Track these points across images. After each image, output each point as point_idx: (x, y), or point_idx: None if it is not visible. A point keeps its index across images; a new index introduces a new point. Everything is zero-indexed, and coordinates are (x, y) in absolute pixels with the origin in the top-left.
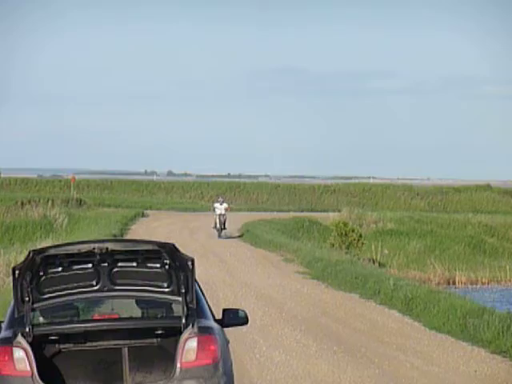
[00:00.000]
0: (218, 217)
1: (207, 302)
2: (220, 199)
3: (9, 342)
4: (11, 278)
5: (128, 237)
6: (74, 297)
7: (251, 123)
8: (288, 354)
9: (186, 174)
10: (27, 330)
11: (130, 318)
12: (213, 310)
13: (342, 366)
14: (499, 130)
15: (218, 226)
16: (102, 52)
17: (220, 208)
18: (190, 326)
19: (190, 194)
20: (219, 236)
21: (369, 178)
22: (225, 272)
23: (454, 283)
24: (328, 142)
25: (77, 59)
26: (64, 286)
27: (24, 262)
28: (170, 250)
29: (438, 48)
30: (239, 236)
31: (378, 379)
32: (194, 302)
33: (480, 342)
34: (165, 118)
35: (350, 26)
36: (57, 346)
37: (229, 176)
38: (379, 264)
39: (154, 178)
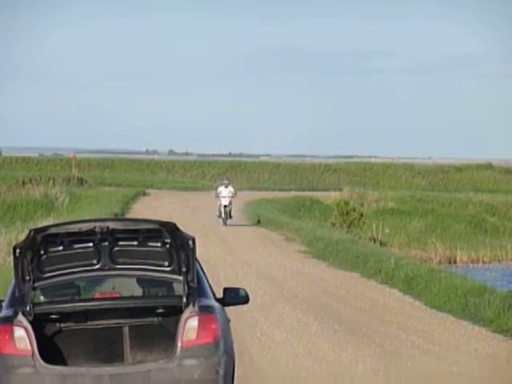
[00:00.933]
0: (222, 206)
1: (208, 281)
2: (225, 181)
3: (9, 320)
4: (12, 256)
5: (129, 216)
6: (75, 276)
7: (252, 102)
8: (289, 332)
9: (187, 154)
10: (28, 308)
11: (131, 297)
12: (213, 289)
13: (343, 345)
14: (501, 109)
15: (222, 215)
16: (104, 33)
17: (225, 192)
18: (191, 304)
19: (191, 173)
20: (224, 224)
21: (370, 157)
22: (226, 251)
23: (455, 262)
24: (329, 121)
25: (79, 40)
26: (65, 265)
27: (25, 240)
28: (171, 229)
29: (440, 26)
30: (241, 216)
31: (379, 358)
32: (195, 280)
33: (481, 321)
34: (166, 97)
35: (351, 3)
36: (57, 324)
37: (230, 155)
38: (380, 243)
39: (156, 157)
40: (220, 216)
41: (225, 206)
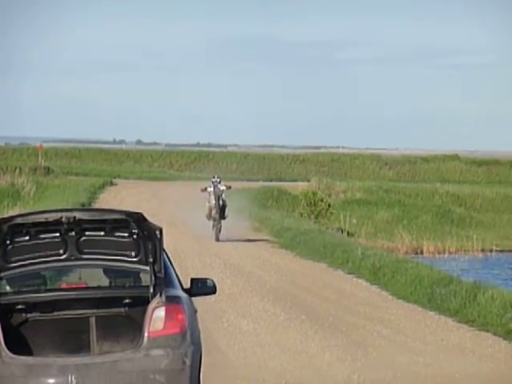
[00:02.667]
0: (213, 204)
1: (175, 272)
2: (216, 179)
3: None
4: None
5: (96, 206)
6: (41, 266)
7: (221, 93)
8: (256, 323)
9: (154, 143)
10: None
11: (98, 287)
12: (181, 279)
13: (310, 335)
14: (467, 100)
15: (213, 213)
16: (72, 22)
17: (217, 191)
18: (158, 295)
19: (158, 163)
20: (216, 231)
21: (338, 147)
22: (194, 241)
23: (421, 252)
24: (297, 111)
25: (46, 29)
26: (31, 255)
27: None
28: (138, 219)
29: (407, 18)
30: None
31: (346, 348)
32: (162, 271)
33: (447, 311)
34: (134, 87)
35: None
36: (24, 315)
37: (198, 145)
38: (348, 233)
39: (123, 146)
40: (209, 215)
41: (214, 204)
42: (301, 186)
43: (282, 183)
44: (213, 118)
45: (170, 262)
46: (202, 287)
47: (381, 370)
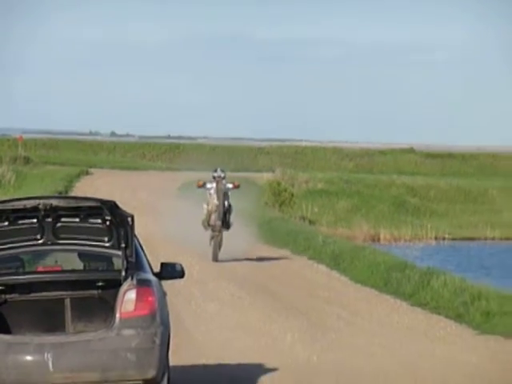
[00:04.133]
0: (215, 205)
1: (146, 257)
2: (219, 173)
3: None
4: None
5: (72, 194)
6: (20, 250)
7: (191, 88)
8: (222, 306)
9: (128, 135)
10: None
11: (73, 271)
12: (151, 263)
13: (273, 317)
14: (424, 97)
15: (213, 220)
16: (49, 17)
17: (221, 190)
18: (129, 278)
19: (131, 153)
20: (214, 246)
21: (301, 140)
22: (163, 230)
23: (378, 240)
24: (264, 106)
25: (22, 23)
26: (10, 240)
27: None
28: (111, 206)
29: (370, 18)
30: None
31: (307, 329)
32: (134, 255)
33: (402, 295)
34: (109, 81)
35: None
36: (2, 296)
37: (169, 137)
38: (309, 222)
39: (98, 138)
40: (207, 222)
41: (217, 204)
42: (266, 177)
43: (248, 174)
44: (183, 112)
45: (141, 247)
46: (171, 271)
47: (339, 351)
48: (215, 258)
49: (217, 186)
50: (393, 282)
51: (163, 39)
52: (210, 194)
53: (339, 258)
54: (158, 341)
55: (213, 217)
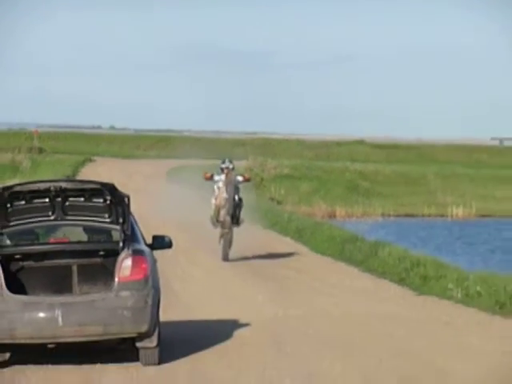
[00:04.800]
0: (224, 199)
1: (140, 230)
2: (227, 163)
3: None
4: None
5: (78, 177)
6: (34, 224)
7: (178, 89)
8: (204, 272)
9: (125, 129)
10: None
11: (79, 242)
12: (144, 236)
13: (247, 282)
14: (375, 93)
15: (222, 215)
16: (57, 17)
17: (231, 182)
18: (126, 248)
19: (128, 144)
20: (224, 245)
21: (271, 133)
22: (156, 207)
23: (334, 217)
24: (239, 104)
25: (33, 26)
26: (26, 216)
27: None
28: (111, 188)
29: (328, 28)
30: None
31: (274, 292)
32: (129, 229)
33: (354, 262)
34: (108, 83)
35: (257, 4)
36: (20, 263)
37: (160, 130)
38: (277, 202)
39: (100, 131)
40: (215, 218)
41: (230, 205)
42: (241, 164)
43: None
44: (171, 109)
45: (136, 222)
46: (161, 242)
47: (300, 308)
48: (225, 258)
49: (226, 178)
50: (346, 252)
51: (151, 47)
52: (219, 187)
53: (302, 232)
54: (149, 301)
55: (222, 212)
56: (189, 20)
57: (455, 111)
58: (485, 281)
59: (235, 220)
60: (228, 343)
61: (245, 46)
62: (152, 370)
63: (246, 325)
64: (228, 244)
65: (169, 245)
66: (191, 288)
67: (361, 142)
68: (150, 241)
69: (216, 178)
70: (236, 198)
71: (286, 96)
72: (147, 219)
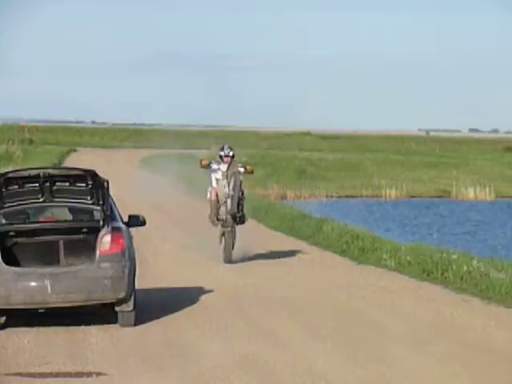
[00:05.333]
0: (225, 194)
1: (118, 210)
2: (226, 151)
3: None
4: None
5: (64, 165)
6: (26, 206)
7: (151, 88)
8: (174, 246)
9: (104, 123)
10: None
11: (65, 221)
12: (121, 215)
13: (209, 255)
14: (318, 90)
15: (223, 213)
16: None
17: (232, 173)
18: (106, 226)
19: (107, 136)
20: (226, 245)
21: (231, 126)
22: (130, 191)
23: (285, 198)
24: (202, 102)
25: (26, 23)
26: (19, 199)
27: None
28: (92, 174)
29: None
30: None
31: (234, 264)
32: (109, 210)
33: (302, 237)
34: (89, 82)
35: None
36: (14, 239)
37: (134, 124)
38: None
39: (82, 125)
40: (216, 217)
41: (231, 200)
42: (203, 152)
43: (191, 150)
44: (144, 106)
45: (114, 204)
46: (135, 221)
47: (256, 277)
48: (228, 260)
49: (228, 169)
50: (296, 228)
51: (126, 52)
52: (217, 179)
53: (257, 211)
54: (126, 271)
55: (222, 209)
56: (158, 28)
57: (388, 105)
58: (414, 252)
59: (238, 218)
60: (194, 307)
61: (207, 50)
62: (129, 330)
63: (210, 291)
64: (231, 245)
65: (143, 223)
66: (162, 260)
67: (308, 134)
68: (126, 219)
69: (214, 166)
70: (237, 192)
71: (243, 93)
72: (124, 201)
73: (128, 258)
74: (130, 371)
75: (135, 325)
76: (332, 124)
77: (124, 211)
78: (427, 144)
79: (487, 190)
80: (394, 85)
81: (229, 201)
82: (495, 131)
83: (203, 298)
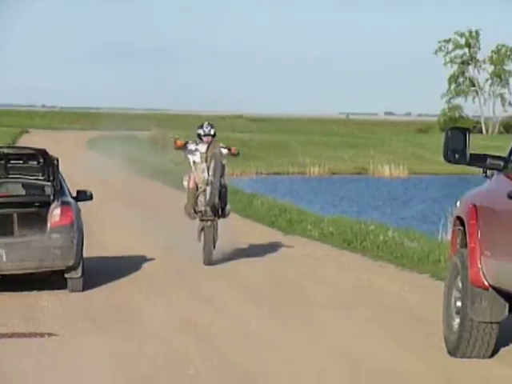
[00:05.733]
0: (203, 180)
1: (67, 186)
2: (206, 129)
3: None
4: None
5: (17, 145)
6: None
7: (96, 75)
8: (118, 218)
9: (53, 106)
10: None
11: (18, 195)
12: (70, 190)
13: (152, 226)
14: (251, 77)
15: (202, 204)
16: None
17: (213, 155)
18: (56, 200)
19: (56, 119)
20: (207, 244)
21: (170, 110)
22: (78, 168)
23: None
24: (147, 87)
25: None
26: None
27: None
28: (43, 153)
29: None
30: (87, 148)
31: (176, 232)
32: (58, 185)
33: (235, 210)
34: (40, 68)
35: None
36: None
37: (81, 108)
38: (175, 163)
39: (34, 108)
40: (193, 209)
41: (212, 189)
42: (145, 134)
43: (133, 132)
44: (91, 91)
45: (63, 180)
46: (83, 195)
47: (195, 246)
48: (208, 261)
49: (208, 150)
50: (229, 202)
51: (79, 41)
52: (195, 162)
53: None
54: (75, 241)
55: (201, 199)
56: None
57: (312, 91)
58: (336, 223)
59: (220, 210)
60: (138, 274)
61: (150, 42)
62: (77, 295)
63: (152, 259)
64: (212, 242)
65: (90, 197)
66: (108, 231)
67: (240, 117)
68: (75, 194)
69: (191, 147)
70: (220, 180)
71: (184, 81)
72: (72, 177)
73: (76, 229)
74: (78, 332)
75: (83, 290)
76: (262, 108)
77: (72, 187)
78: (347, 126)
79: (401, 167)
80: (318, 72)
81: (208, 188)
82: (408, 114)
83: (145, 265)
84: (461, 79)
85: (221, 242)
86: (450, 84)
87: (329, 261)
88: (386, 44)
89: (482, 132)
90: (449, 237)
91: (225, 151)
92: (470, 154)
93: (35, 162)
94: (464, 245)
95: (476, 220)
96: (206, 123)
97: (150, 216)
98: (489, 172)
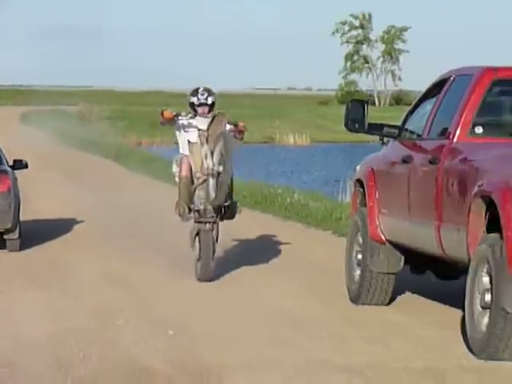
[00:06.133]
0: (202, 165)
1: (4, 156)
2: (202, 96)
3: None
4: None
5: None
6: None
7: (30, 54)
8: (52, 186)
9: (13, 85)
10: None
11: None
12: (8, 159)
13: (82, 192)
14: (174, 54)
15: (199, 203)
16: None
17: (215, 134)
18: None
19: (20, 98)
20: (205, 254)
21: (92, 86)
22: (17, 141)
23: (141, 145)
24: (75, 66)
25: None
26: None
27: None
28: None
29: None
30: (21, 121)
31: (102, 196)
32: None
33: (157, 176)
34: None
35: None
36: None
37: (14, 86)
38: (102, 135)
39: None
40: (186, 209)
41: (213, 179)
42: (72, 109)
43: (63, 107)
44: (23, 69)
45: (0, 149)
46: (19, 164)
47: (119, 207)
48: (205, 277)
49: (208, 127)
50: (150, 169)
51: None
52: (190, 142)
53: (119, 155)
54: (12, 206)
55: (200, 194)
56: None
57: (222, 67)
58: (247, 187)
59: (226, 209)
60: (68, 235)
61: (81, 22)
62: (15, 254)
63: (82, 221)
64: (210, 251)
65: (25, 166)
66: (42, 198)
67: (160, 93)
68: (11, 163)
69: (182, 121)
70: (220, 167)
71: (109, 59)
72: (8, 148)
73: (13, 196)
74: (17, 288)
75: (20, 250)
76: (182, 83)
77: (10, 156)
78: (255, 99)
79: (304, 136)
80: (229, 49)
81: (212, 181)
82: (309, 89)
83: (76, 227)
84: (356, 57)
85: (142, 200)
86: (346, 61)
87: (243, 219)
88: (288, 25)
89: (374, 104)
90: (348, 198)
91: (229, 127)
92: (369, 124)
93: None
94: (363, 204)
95: (374, 182)
96: (201, 88)
97: (80, 183)
98: (385, 139)
